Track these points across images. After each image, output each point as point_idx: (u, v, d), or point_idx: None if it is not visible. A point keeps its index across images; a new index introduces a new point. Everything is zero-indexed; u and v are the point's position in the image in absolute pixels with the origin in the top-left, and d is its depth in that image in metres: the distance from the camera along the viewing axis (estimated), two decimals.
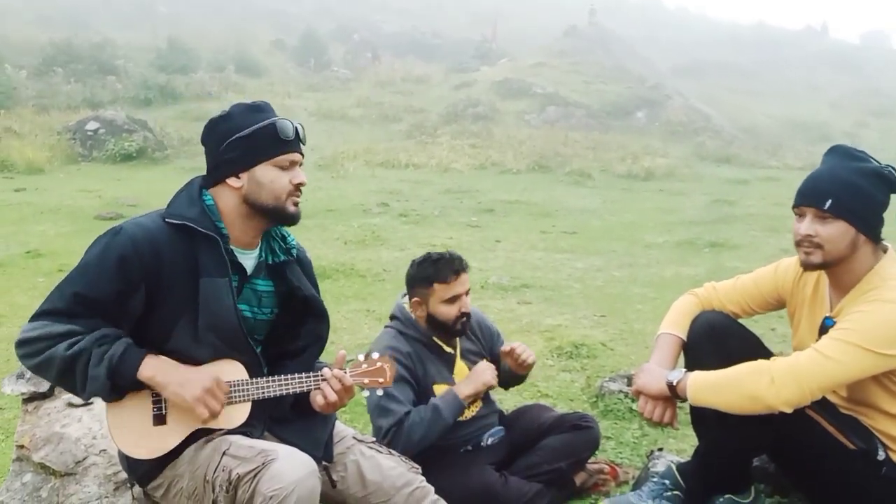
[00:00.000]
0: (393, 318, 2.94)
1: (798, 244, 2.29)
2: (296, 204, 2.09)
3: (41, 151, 14.78)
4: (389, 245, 8.83)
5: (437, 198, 12.83)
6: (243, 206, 2.05)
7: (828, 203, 2.19)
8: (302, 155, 2.11)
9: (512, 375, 3.02)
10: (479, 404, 2.96)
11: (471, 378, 2.79)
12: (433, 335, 2.86)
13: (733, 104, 27.89)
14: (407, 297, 2.94)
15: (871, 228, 2.24)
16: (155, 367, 1.92)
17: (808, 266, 2.31)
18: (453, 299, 2.78)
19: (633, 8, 51.46)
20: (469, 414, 2.90)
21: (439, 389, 2.80)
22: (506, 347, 2.89)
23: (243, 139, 2.02)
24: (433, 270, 2.78)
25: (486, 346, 3.06)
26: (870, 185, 2.21)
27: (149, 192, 11.18)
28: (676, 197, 13.96)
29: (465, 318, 2.83)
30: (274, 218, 2.10)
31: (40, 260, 7.48)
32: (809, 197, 2.25)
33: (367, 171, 15.74)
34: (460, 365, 2.92)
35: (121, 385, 1.90)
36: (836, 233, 2.21)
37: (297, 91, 25.00)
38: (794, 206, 2.30)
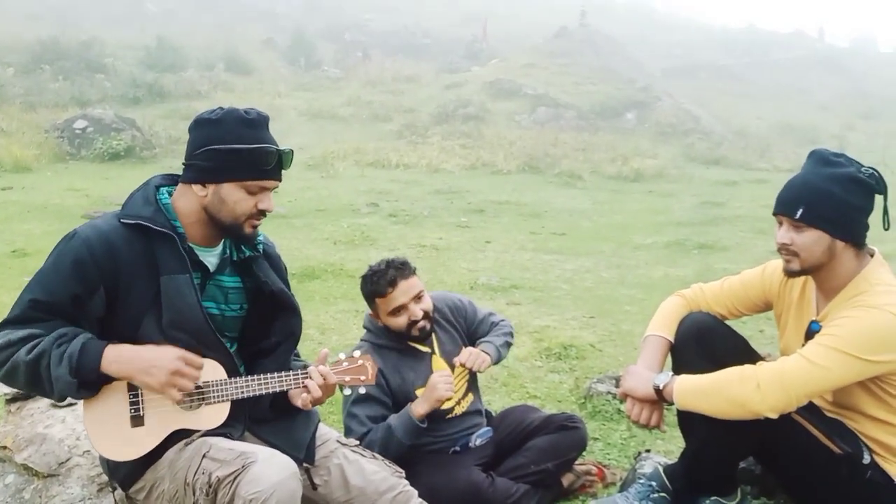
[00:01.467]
0: (366, 328, 2.95)
1: (778, 251, 2.31)
2: (254, 227, 2.06)
3: (28, 150, 14.69)
4: (379, 245, 8.81)
5: (427, 198, 12.82)
6: (202, 213, 2.03)
7: (799, 212, 2.20)
8: (279, 181, 2.05)
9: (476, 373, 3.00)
10: (469, 398, 2.97)
11: (424, 395, 2.75)
12: (405, 340, 2.85)
13: (723, 106, 27.98)
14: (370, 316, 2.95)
15: (848, 234, 2.23)
16: (117, 358, 1.89)
17: (789, 273, 2.32)
18: (397, 311, 2.77)
19: (624, 9, 51.56)
20: (459, 410, 2.91)
21: (421, 392, 2.80)
22: (456, 361, 2.86)
23: (221, 153, 1.96)
24: (370, 286, 2.79)
25: (462, 327, 3.04)
26: (843, 191, 2.19)
27: None
28: (665, 198, 14.00)
29: (419, 324, 2.80)
30: (229, 235, 2.09)
31: (26, 259, 7.42)
32: (782, 205, 2.26)
33: (356, 170, 15.72)
34: (439, 362, 2.91)
35: (87, 380, 1.87)
36: (809, 241, 2.21)
37: (287, 90, 24.92)
38: (773, 214, 2.32)
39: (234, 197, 1.99)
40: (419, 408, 2.71)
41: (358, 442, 2.35)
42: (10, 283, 6.55)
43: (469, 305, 3.11)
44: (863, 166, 2.25)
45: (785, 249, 2.26)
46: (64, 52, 23.11)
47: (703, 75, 33.66)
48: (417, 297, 2.80)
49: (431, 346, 2.92)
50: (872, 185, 2.22)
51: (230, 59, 27.43)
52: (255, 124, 2.00)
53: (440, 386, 2.72)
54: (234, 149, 1.96)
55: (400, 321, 2.78)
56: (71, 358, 1.84)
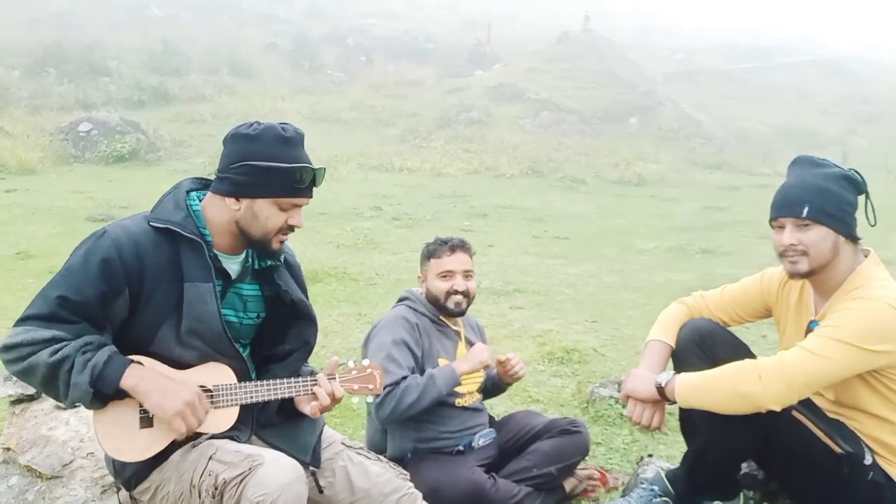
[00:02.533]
0: (402, 299, 3.06)
1: (782, 255, 2.33)
2: (281, 241, 2.09)
3: (33, 152, 14.72)
4: (382, 249, 8.82)
5: (431, 202, 12.84)
6: (233, 225, 2.04)
7: (805, 210, 2.24)
8: (311, 197, 2.08)
9: (495, 384, 3.10)
10: (475, 396, 3.01)
11: (468, 356, 2.86)
12: (438, 314, 2.97)
13: (725, 110, 28.00)
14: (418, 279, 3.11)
15: (848, 229, 2.29)
16: (138, 377, 1.90)
17: (795, 275, 2.33)
18: (445, 275, 2.91)
19: (627, 14, 51.61)
20: (468, 401, 2.95)
21: (443, 363, 2.88)
22: (501, 357, 2.97)
23: (258, 169, 1.97)
24: (431, 248, 2.98)
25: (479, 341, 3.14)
26: (839, 188, 2.27)
27: (141, 194, 11.12)
28: (668, 203, 14.02)
29: (457, 296, 2.92)
30: (256, 248, 2.11)
31: (30, 261, 7.44)
32: (785, 207, 2.30)
33: (360, 174, 15.74)
34: (463, 350, 2.99)
35: (103, 393, 1.88)
36: (817, 237, 2.25)
37: (290, 94, 24.95)
38: (772, 220, 2.35)
39: (266, 213, 2.01)
40: (462, 365, 2.82)
41: (362, 445, 2.36)
42: (14, 284, 6.58)
43: (484, 335, 3.26)
44: (843, 167, 2.34)
45: (792, 250, 2.28)
46: (68, 56, 23.17)
47: (705, 80, 33.68)
48: (466, 273, 2.95)
49: (459, 333, 3.04)
50: (860, 182, 2.31)
51: (233, 63, 27.47)
52: (291, 142, 2.02)
53: (484, 352, 2.86)
54: (270, 167, 1.97)
55: (443, 286, 2.92)
56: (94, 368, 1.84)
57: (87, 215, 9.79)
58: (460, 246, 2.95)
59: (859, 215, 2.33)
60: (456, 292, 2.91)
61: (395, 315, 2.91)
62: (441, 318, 2.98)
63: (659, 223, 11.58)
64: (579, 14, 33.00)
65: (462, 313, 2.99)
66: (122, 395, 1.91)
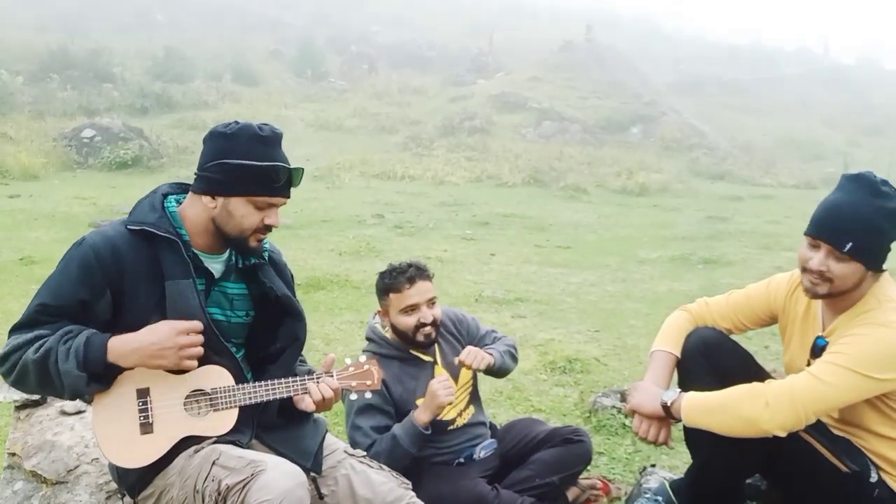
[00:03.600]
0: (368, 339, 2.96)
1: (805, 271, 2.24)
2: (259, 240, 2.10)
3: (36, 158, 14.77)
4: (384, 257, 8.82)
5: (433, 210, 12.85)
6: (210, 223, 2.06)
7: (848, 246, 2.13)
8: (287, 198, 2.08)
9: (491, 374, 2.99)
10: (470, 411, 2.97)
11: (425, 403, 2.73)
12: (408, 347, 2.86)
13: (728, 121, 28.07)
14: (377, 317, 2.96)
15: (881, 265, 2.22)
16: (122, 347, 1.92)
17: (812, 295, 2.27)
18: (409, 309, 2.78)
19: (630, 24, 51.77)
20: (462, 421, 2.91)
21: (423, 402, 2.78)
22: (458, 359, 2.83)
23: (232, 167, 1.99)
24: (388, 280, 2.81)
25: (465, 340, 3.03)
26: (890, 226, 2.16)
27: None
28: (670, 213, 14.02)
29: (426, 328, 2.80)
30: (233, 246, 2.12)
31: (34, 267, 7.46)
32: (829, 233, 2.16)
33: (362, 182, 15.77)
34: (441, 372, 2.89)
35: (96, 373, 1.90)
36: (848, 272, 2.16)
37: (293, 101, 25.05)
38: (811, 236, 2.21)
39: (241, 211, 2.03)
40: (421, 415, 2.70)
41: (365, 453, 2.36)
42: (17, 290, 6.59)
43: (472, 321, 3.12)
44: None
45: (818, 275, 2.20)
46: (72, 62, 23.29)
47: (708, 90, 33.76)
48: (430, 302, 2.82)
49: (434, 356, 2.92)
50: None
51: (237, 70, 27.62)
52: (267, 141, 2.03)
53: (440, 392, 2.68)
54: (245, 164, 1.99)
55: (409, 321, 2.78)
56: (77, 352, 1.87)
57: (90, 221, 9.81)
58: (419, 275, 2.79)
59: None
60: (424, 325, 2.78)
61: None
62: (411, 351, 2.86)
63: (661, 233, 11.58)
64: (582, 23, 33.12)
65: (433, 343, 2.87)
66: (114, 370, 1.94)
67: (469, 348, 2.86)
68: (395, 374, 2.81)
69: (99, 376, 1.92)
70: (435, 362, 2.92)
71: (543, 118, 23.33)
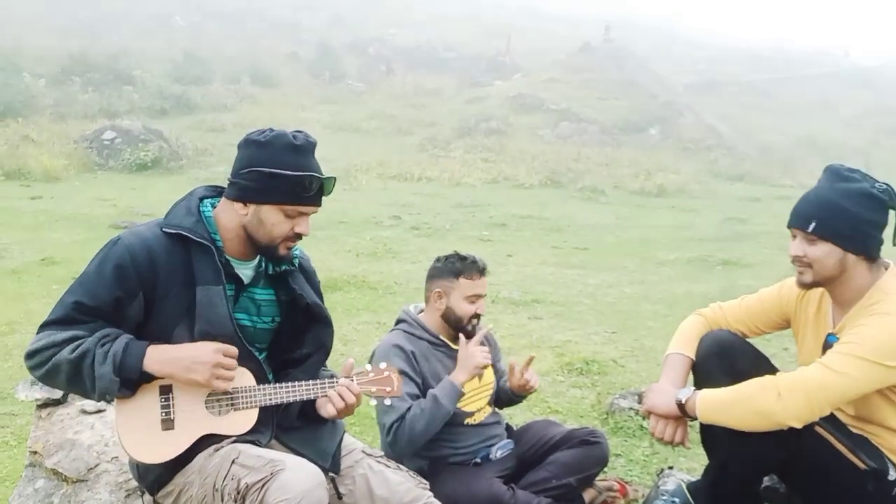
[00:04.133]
0: (399, 322, 2.99)
1: (792, 263, 2.35)
2: (288, 248, 2.11)
3: (58, 160, 14.91)
4: (401, 258, 8.85)
5: (449, 211, 12.86)
6: (241, 229, 2.08)
7: (812, 226, 2.24)
8: (318, 206, 2.10)
9: (509, 398, 3.08)
10: (487, 410, 2.98)
11: (461, 364, 2.80)
12: (440, 334, 2.90)
13: (746, 122, 27.84)
14: (413, 305, 3.02)
15: (860, 248, 2.26)
16: (160, 358, 1.95)
17: (801, 284, 2.35)
18: (474, 297, 2.86)
19: (648, 25, 51.52)
20: (479, 418, 2.93)
21: None
22: (517, 376, 2.91)
23: (265, 176, 2.00)
24: (461, 266, 2.86)
25: (493, 355, 3.08)
26: (856, 206, 2.23)
27: (163, 202, 11.12)
28: (689, 214, 13.94)
29: (477, 320, 2.89)
30: (263, 253, 2.14)
31: (55, 267, 7.54)
32: (795, 218, 2.31)
33: (379, 183, 15.80)
34: None
35: (129, 379, 1.93)
36: (822, 253, 2.25)
37: (311, 103, 25.13)
38: (788, 227, 2.35)
39: (272, 219, 2.04)
40: (460, 375, 2.77)
41: (382, 453, 2.37)
42: (39, 290, 6.67)
43: (498, 348, 3.20)
44: (877, 182, 2.28)
45: (798, 261, 2.30)
46: (93, 65, 23.49)
47: (726, 91, 33.52)
48: (484, 296, 2.91)
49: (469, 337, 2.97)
50: (886, 200, 2.26)
51: (255, 73, 27.75)
52: (300, 150, 2.04)
53: (477, 355, 2.78)
54: (277, 174, 1.99)
55: (469, 309, 2.85)
56: (115, 357, 1.90)
57: (111, 223, 9.90)
58: (485, 271, 2.90)
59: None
60: (478, 316, 2.89)
61: (389, 345, 2.82)
62: (441, 338, 2.91)
63: (680, 234, 11.52)
64: (600, 24, 33.01)
65: (474, 335, 2.94)
66: (147, 378, 1.97)
67: (532, 372, 2.95)
68: (423, 352, 2.86)
69: (130, 382, 1.94)
70: None
71: (561, 119, 23.25)
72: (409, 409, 2.68)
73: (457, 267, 2.86)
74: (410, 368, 2.78)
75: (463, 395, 2.78)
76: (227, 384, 1.98)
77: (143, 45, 29.02)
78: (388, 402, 2.26)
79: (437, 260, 2.95)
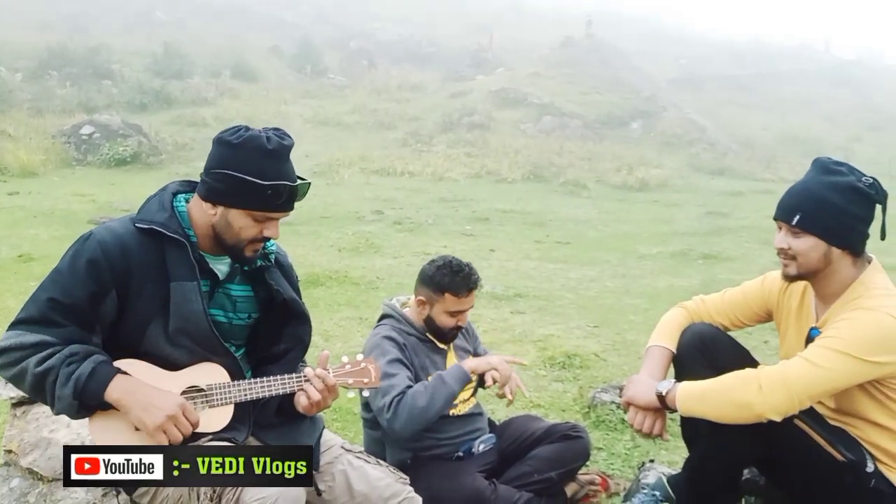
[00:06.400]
0: (384, 317, 2.96)
1: (777, 255, 2.36)
2: (255, 251, 2.06)
3: (35, 155, 14.75)
4: (383, 253, 8.82)
5: (432, 206, 12.85)
6: (210, 228, 2.04)
7: (796, 218, 2.25)
8: (289, 212, 2.04)
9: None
10: (471, 402, 2.98)
11: (483, 359, 2.83)
12: (426, 332, 2.90)
13: (728, 116, 28.02)
14: (396, 299, 3.00)
15: (844, 242, 2.26)
16: (122, 389, 1.88)
17: (786, 277, 2.36)
18: (456, 313, 2.83)
19: (630, 20, 51.71)
20: (463, 409, 2.92)
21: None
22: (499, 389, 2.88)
23: (234, 180, 1.94)
24: (450, 280, 2.79)
25: (471, 346, 3.11)
26: (841, 200, 2.22)
27: (142, 197, 10.91)
28: (670, 208, 14.02)
29: (457, 330, 2.90)
30: (229, 254, 2.08)
31: (32, 264, 7.46)
32: (780, 210, 2.31)
33: (362, 178, 15.77)
34: (453, 359, 2.95)
35: (89, 405, 1.88)
36: (806, 246, 2.25)
37: (292, 98, 25.02)
38: (774, 219, 2.36)
39: (240, 223, 1.99)
40: (472, 363, 2.78)
41: (362, 449, 2.35)
42: (16, 287, 6.58)
43: (477, 338, 3.19)
44: (864, 176, 2.27)
45: (783, 253, 2.31)
46: (71, 59, 23.26)
47: (708, 86, 33.70)
48: (468, 310, 2.89)
49: (447, 344, 2.97)
50: (872, 194, 2.25)
51: (237, 67, 27.56)
52: (274, 155, 1.96)
53: (501, 365, 2.79)
54: (247, 181, 1.93)
55: (450, 322, 2.84)
56: (78, 381, 1.84)
57: (89, 218, 9.80)
58: (475, 286, 2.83)
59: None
60: (459, 327, 2.88)
61: (381, 337, 2.80)
62: (427, 335, 2.91)
63: (661, 228, 11.58)
64: (583, 19, 33.08)
65: (455, 338, 2.96)
66: (106, 406, 1.90)
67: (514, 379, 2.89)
68: (412, 346, 2.86)
69: (89, 408, 1.89)
70: (448, 349, 2.97)
71: (543, 113, 23.29)
72: (409, 386, 2.68)
73: (444, 282, 2.79)
74: (405, 357, 2.78)
75: (471, 381, 2.78)
76: (166, 443, 1.89)
77: (123, 40, 28.76)
78: (366, 393, 2.23)
79: (431, 262, 2.88)
